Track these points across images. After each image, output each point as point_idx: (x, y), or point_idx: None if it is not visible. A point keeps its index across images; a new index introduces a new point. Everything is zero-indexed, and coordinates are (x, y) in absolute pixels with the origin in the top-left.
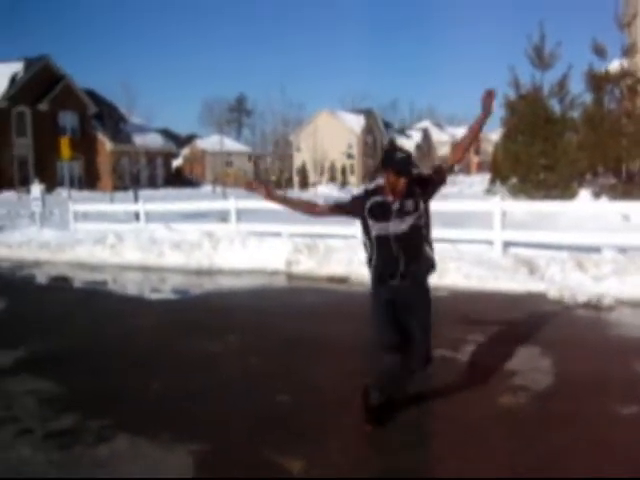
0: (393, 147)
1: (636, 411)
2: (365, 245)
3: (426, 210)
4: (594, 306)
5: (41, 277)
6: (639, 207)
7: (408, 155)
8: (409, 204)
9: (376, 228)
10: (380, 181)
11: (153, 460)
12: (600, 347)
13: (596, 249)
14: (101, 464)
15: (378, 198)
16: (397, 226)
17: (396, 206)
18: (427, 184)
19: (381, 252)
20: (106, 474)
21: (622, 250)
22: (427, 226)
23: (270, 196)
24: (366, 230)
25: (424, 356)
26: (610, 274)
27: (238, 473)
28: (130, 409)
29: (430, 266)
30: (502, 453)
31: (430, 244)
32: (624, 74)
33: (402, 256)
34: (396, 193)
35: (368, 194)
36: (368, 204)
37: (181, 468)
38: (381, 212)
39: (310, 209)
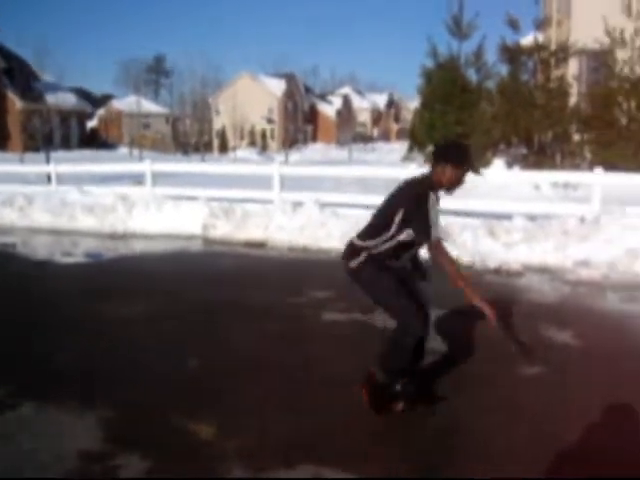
0: (450, 140)
1: (538, 372)
2: (382, 236)
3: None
4: (504, 272)
5: None
6: (549, 177)
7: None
8: None
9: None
10: (425, 174)
11: (61, 427)
12: (508, 311)
13: (507, 217)
14: (8, 432)
15: (433, 198)
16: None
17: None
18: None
19: (397, 255)
20: (12, 443)
21: (532, 218)
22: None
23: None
24: (397, 228)
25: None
26: (520, 241)
27: (147, 439)
28: (36, 376)
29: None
30: (409, 414)
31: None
32: (538, 47)
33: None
34: (449, 192)
35: (427, 191)
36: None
37: (89, 435)
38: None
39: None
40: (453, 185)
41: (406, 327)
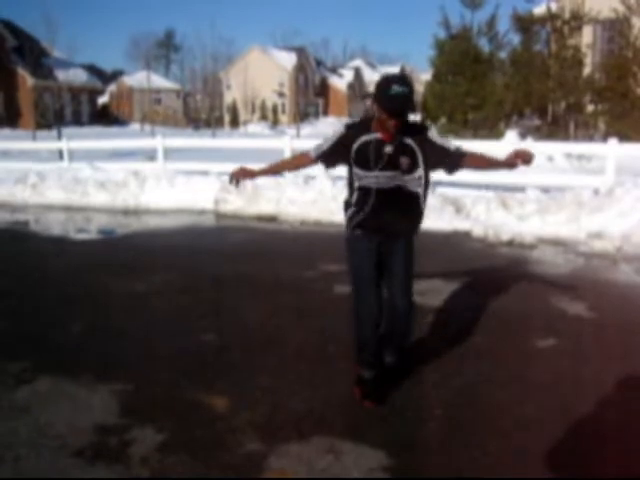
0: (391, 76)
1: (551, 344)
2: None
3: (426, 178)
4: (517, 244)
5: None
6: (562, 148)
7: (408, 91)
8: (405, 161)
9: (363, 178)
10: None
11: (76, 401)
12: (520, 284)
13: (520, 189)
14: (23, 407)
15: (367, 137)
16: (386, 180)
17: (389, 149)
18: (435, 154)
19: (365, 204)
20: (28, 417)
21: (545, 190)
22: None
23: (253, 174)
24: (350, 175)
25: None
26: (533, 213)
27: (162, 412)
28: (51, 351)
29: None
30: (420, 387)
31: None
32: (551, 16)
33: (388, 211)
34: (385, 133)
35: (354, 131)
36: (355, 146)
37: (105, 408)
38: (369, 156)
39: (301, 161)
40: (381, 123)
41: (355, 306)
